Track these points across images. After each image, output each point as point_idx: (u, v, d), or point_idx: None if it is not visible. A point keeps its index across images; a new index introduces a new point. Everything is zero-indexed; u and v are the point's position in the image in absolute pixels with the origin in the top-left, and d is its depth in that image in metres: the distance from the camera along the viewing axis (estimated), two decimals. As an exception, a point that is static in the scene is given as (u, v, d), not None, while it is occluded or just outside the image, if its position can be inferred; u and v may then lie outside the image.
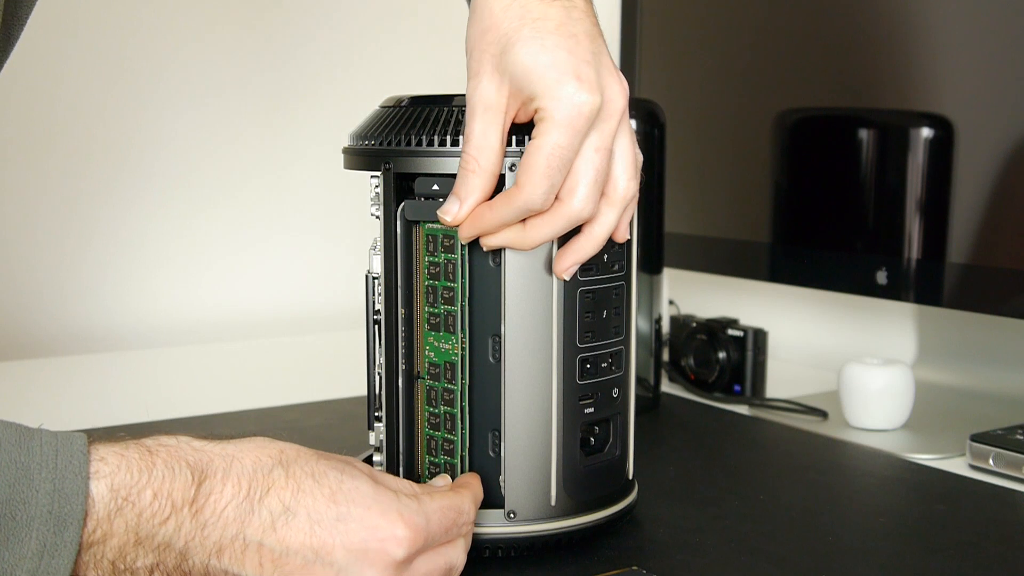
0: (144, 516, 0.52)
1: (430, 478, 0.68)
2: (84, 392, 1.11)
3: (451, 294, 0.65)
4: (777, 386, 1.09)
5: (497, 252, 0.65)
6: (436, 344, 0.67)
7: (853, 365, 0.97)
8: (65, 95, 1.29)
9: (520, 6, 0.60)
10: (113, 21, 1.30)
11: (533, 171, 0.58)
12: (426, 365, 0.67)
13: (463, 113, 0.64)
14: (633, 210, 0.65)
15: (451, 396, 0.66)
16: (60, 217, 1.31)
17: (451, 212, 0.61)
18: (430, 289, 0.66)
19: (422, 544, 0.57)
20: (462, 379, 0.66)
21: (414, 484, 0.60)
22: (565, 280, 0.64)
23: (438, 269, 0.66)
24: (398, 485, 0.59)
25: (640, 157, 0.64)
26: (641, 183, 0.64)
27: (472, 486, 0.63)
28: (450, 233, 0.65)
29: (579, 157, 0.59)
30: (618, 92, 0.60)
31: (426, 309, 0.67)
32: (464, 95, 0.64)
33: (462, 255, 0.65)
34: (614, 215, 0.62)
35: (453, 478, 0.66)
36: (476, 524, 0.65)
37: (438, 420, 0.67)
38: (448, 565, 0.59)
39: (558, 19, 0.60)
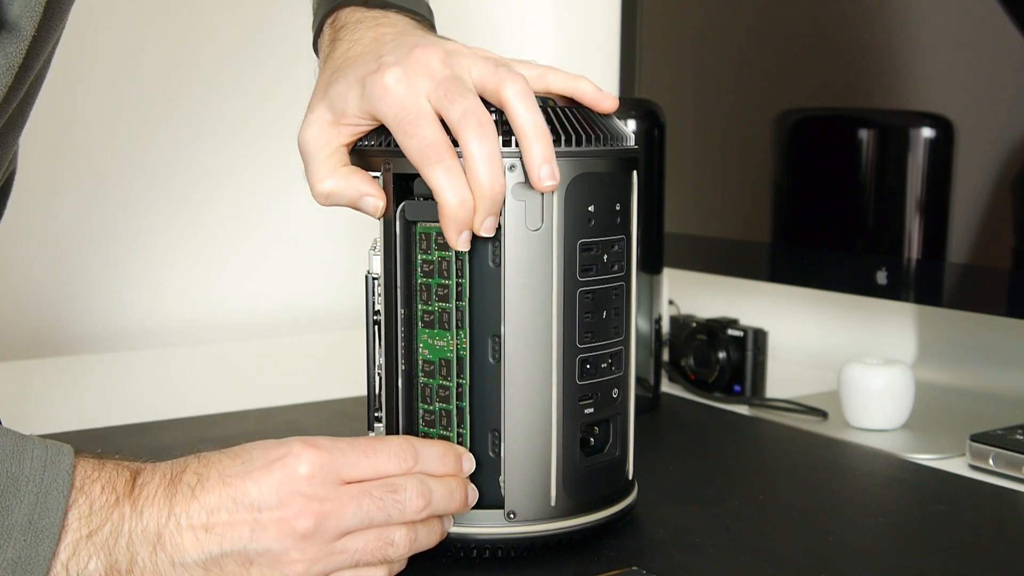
0: (95, 507, 0.55)
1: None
2: (84, 392, 1.11)
3: (445, 291, 0.65)
4: (777, 386, 1.09)
5: (497, 252, 0.65)
6: (430, 341, 0.67)
7: (853, 365, 0.97)
8: (68, 100, 1.29)
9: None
10: (119, 26, 1.30)
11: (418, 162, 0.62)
12: (420, 363, 0.67)
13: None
14: (519, 99, 0.63)
15: (446, 393, 0.66)
16: (60, 218, 1.31)
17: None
18: (424, 287, 0.66)
19: (327, 461, 0.58)
20: (458, 377, 0.66)
21: None
22: (484, 236, 0.62)
23: (431, 267, 0.66)
24: None
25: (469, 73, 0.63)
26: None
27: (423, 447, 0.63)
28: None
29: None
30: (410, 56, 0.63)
31: (420, 307, 0.67)
32: None
33: (456, 253, 0.65)
34: (468, 142, 0.61)
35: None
36: (475, 524, 0.65)
37: (433, 418, 0.67)
38: (390, 500, 0.59)
39: (346, 55, 0.68)
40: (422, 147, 0.61)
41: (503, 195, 0.62)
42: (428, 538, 0.62)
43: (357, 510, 0.58)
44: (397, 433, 0.68)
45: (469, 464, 0.65)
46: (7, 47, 0.65)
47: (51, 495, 0.54)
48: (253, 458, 0.58)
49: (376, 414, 0.69)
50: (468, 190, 0.61)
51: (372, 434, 0.70)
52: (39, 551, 0.53)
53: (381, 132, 0.66)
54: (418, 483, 0.60)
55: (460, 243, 0.62)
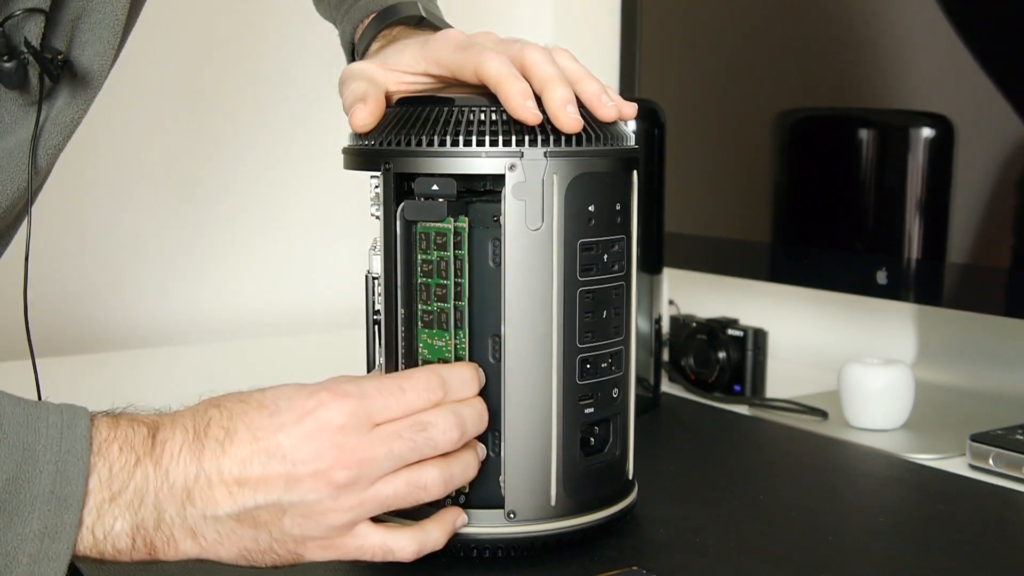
0: (114, 469, 0.54)
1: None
2: (87, 389, 1.11)
3: (443, 291, 0.65)
4: (777, 386, 1.09)
5: (497, 252, 0.65)
6: (430, 341, 0.67)
7: (853, 365, 0.97)
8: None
9: None
10: (136, 36, 1.30)
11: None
12: (420, 363, 0.67)
13: (463, 113, 0.64)
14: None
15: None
16: (62, 219, 1.31)
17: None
18: (423, 287, 0.66)
19: (357, 409, 0.58)
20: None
21: None
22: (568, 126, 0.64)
23: (431, 267, 0.66)
24: None
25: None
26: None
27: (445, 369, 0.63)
28: (442, 231, 0.65)
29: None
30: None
31: (420, 307, 0.67)
32: (461, 95, 0.66)
33: (456, 253, 0.65)
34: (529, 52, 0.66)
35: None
36: (475, 524, 0.65)
37: (434, 418, 0.67)
38: (421, 442, 0.59)
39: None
40: (493, 54, 0.65)
41: (572, 92, 0.64)
42: (464, 474, 0.62)
43: (389, 454, 0.58)
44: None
45: (482, 376, 0.65)
46: (77, 97, 0.65)
47: (70, 462, 0.53)
48: (280, 410, 0.57)
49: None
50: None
51: None
52: (64, 519, 0.53)
53: (381, 132, 0.66)
54: (449, 415, 0.60)
55: (528, 110, 0.63)
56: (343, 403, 0.58)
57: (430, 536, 0.62)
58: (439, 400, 0.61)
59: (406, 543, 0.60)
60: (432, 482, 0.60)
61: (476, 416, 0.62)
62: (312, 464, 0.56)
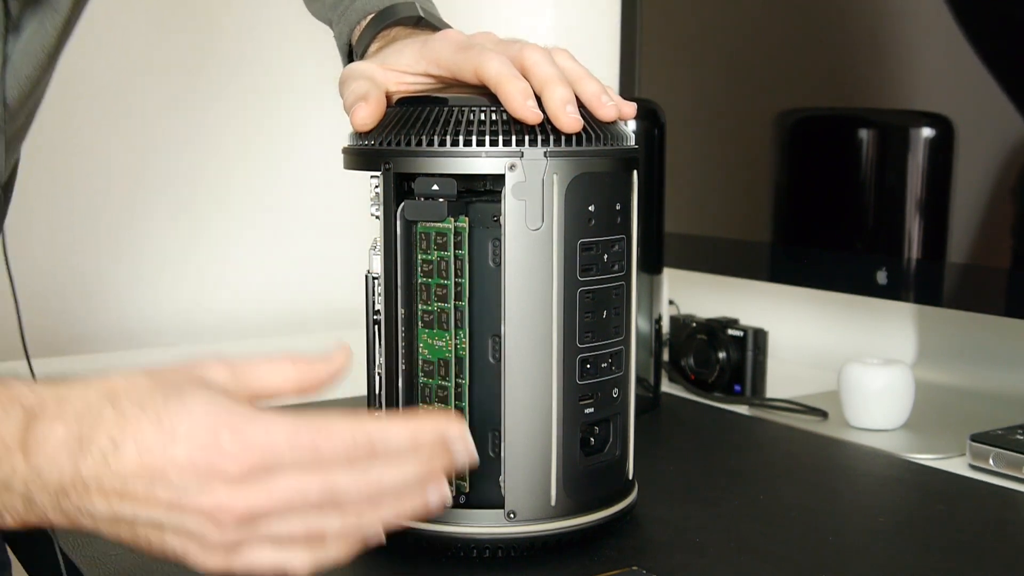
0: None
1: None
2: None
3: (444, 291, 0.65)
4: (777, 386, 1.09)
5: (497, 252, 0.65)
6: (430, 341, 0.67)
7: (853, 365, 0.97)
8: (75, 98, 1.29)
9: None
10: (126, 26, 1.30)
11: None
12: (420, 363, 0.67)
13: (463, 113, 0.64)
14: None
15: (445, 393, 0.66)
16: (63, 220, 1.31)
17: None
18: (423, 287, 0.66)
19: (258, 463, 0.51)
20: (457, 377, 0.66)
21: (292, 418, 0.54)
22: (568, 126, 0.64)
23: (431, 267, 0.66)
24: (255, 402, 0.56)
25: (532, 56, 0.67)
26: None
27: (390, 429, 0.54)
28: (443, 231, 0.65)
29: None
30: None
31: (420, 307, 0.67)
32: (461, 95, 0.66)
33: (456, 253, 0.65)
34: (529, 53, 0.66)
35: (452, 479, 0.66)
36: (475, 524, 0.65)
37: (434, 418, 0.67)
38: (315, 497, 0.52)
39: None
40: (493, 54, 0.65)
41: (572, 92, 0.65)
42: (375, 525, 0.54)
43: (286, 507, 0.52)
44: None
45: (461, 454, 0.54)
46: (45, 23, 0.64)
47: None
48: (178, 436, 0.51)
49: (376, 414, 0.69)
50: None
51: None
52: None
53: (381, 132, 0.66)
54: (364, 487, 0.53)
55: (529, 110, 0.63)
56: (242, 456, 0.51)
57: (328, 553, 0.54)
58: (360, 464, 0.53)
59: (302, 559, 0.54)
60: (332, 532, 0.53)
61: (401, 486, 0.54)
62: (197, 499, 0.51)
